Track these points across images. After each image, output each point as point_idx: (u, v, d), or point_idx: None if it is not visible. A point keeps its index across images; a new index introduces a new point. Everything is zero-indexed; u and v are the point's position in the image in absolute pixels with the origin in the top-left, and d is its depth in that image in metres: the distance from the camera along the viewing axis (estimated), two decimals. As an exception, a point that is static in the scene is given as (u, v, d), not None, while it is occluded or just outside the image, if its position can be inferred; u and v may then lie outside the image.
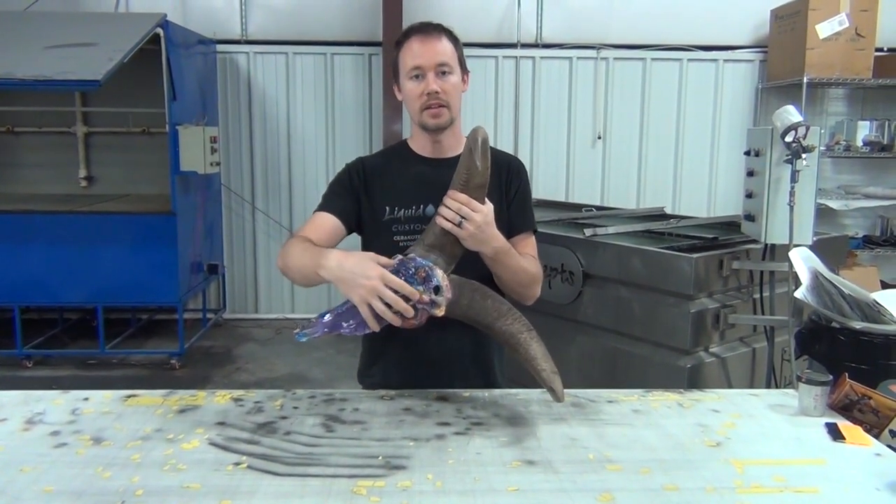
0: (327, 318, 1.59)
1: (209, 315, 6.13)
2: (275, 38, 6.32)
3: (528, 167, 2.06)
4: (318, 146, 6.42)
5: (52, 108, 5.90)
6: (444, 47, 1.82)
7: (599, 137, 6.48)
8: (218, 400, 1.76)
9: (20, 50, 4.42)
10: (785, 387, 3.79)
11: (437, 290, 1.56)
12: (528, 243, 1.90)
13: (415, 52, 1.81)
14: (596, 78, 6.40)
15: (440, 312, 1.58)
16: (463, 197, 1.62)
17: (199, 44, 5.83)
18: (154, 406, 1.72)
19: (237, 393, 1.79)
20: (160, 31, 4.86)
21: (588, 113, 6.46)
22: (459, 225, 1.62)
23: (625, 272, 3.58)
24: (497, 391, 1.84)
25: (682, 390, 1.84)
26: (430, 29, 1.83)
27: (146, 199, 5.73)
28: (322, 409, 1.70)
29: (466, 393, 1.81)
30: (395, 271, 1.56)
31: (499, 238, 1.69)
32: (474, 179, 1.62)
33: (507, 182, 1.90)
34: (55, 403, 1.73)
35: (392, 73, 1.90)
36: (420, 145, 1.91)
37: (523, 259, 1.79)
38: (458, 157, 1.80)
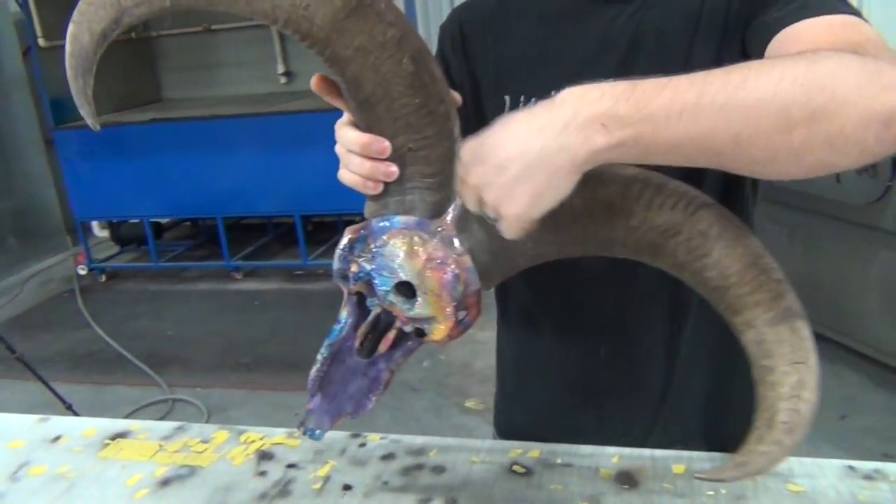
0: (317, 401, 0.78)
1: (420, 217, 5.56)
2: None
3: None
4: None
5: (244, -1, 5.46)
6: None
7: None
8: (233, 455, 1.03)
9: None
10: None
11: (403, 290, 0.72)
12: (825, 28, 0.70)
13: None
14: None
15: (442, 330, 0.73)
16: None
17: None
18: (136, 463, 1.03)
19: (270, 442, 1.05)
20: None
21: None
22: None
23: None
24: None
25: None
26: None
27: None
28: (391, 497, 0.91)
29: (679, 465, 0.91)
30: (343, 276, 0.77)
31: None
32: (314, 20, 0.66)
33: None
34: (11, 446, 1.12)
35: None
36: None
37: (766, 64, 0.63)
38: None
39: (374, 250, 0.73)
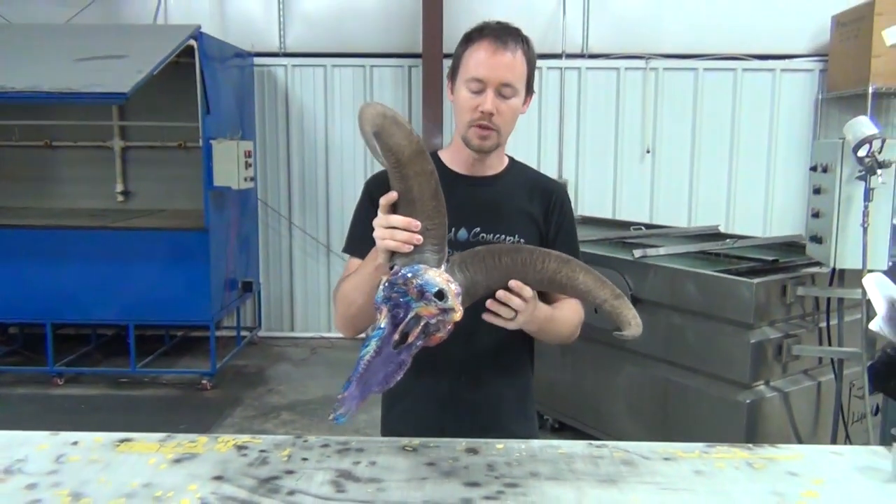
0: (352, 388, 1.38)
1: (244, 333, 5.99)
2: (313, 50, 6.20)
3: (573, 182, 1.88)
4: (356, 161, 6.26)
5: (88, 122, 5.85)
6: (515, 65, 1.57)
7: (648, 151, 6.19)
8: (219, 447, 1.56)
9: (51, 62, 4.37)
10: (853, 423, 3.47)
11: (439, 295, 1.35)
12: None
13: (480, 61, 1.57)
14: (645, 89, 6.14)
15: (458, 315, 1.37)
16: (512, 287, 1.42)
17: (236, 56, 5.72)
18: (148, 454, 1.53)
19: (242, 439, 1.60)
20: (194, 43, 4.75)
21: (636, 126, 6.19)
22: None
23: (678, 297, 3.32)
24: (536, 443, 1.61)
25: (750, 446, 1.58)
26: (507, 37, 1.57)
27: (182, 215, 5.62)
28: (335, 461, 1.49)
29: (500, 444, 1.58)
30: (387, 299, 1.36)
31: (541, 309, 1.51)
32: (404, 154, 1.34)
33: (548, 213, 1.70)
34: (39, 448, 1.55)
35: (451, 70, 1.66)
36: (456, 159, 1.70)
37: (566, 309, 1.63)
38: (496, 175, 1.64)
39: (421, 276, 1.33)
